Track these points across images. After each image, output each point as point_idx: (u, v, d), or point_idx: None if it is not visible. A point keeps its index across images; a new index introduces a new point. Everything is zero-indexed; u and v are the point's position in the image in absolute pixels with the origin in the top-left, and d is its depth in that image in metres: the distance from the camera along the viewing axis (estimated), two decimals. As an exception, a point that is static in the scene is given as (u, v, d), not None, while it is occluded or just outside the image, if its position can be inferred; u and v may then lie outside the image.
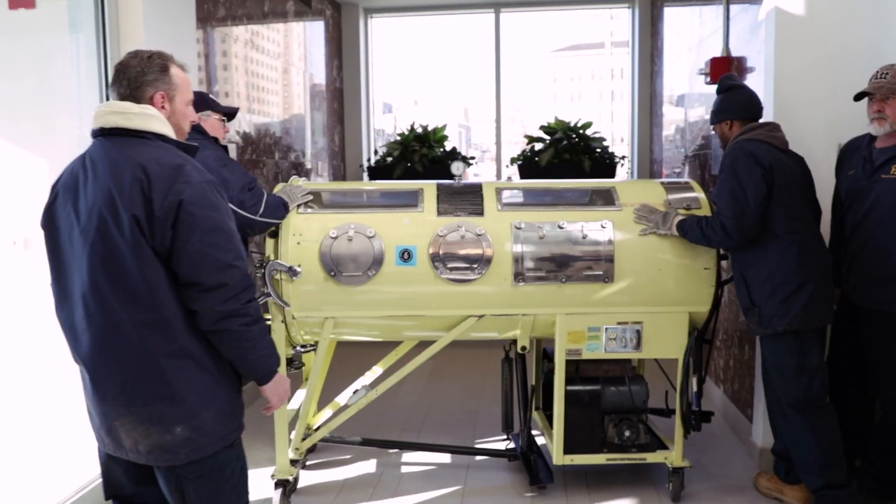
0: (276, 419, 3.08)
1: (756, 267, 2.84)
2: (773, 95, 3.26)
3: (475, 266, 2.98)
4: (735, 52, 3.82)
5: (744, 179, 2.76)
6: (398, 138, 4.25)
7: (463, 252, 2.99)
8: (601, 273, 3.01)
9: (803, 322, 2.76)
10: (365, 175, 5.13)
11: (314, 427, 3.37)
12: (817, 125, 3.23)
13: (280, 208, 2.94)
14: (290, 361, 3.16)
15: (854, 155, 2.93)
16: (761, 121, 3.01)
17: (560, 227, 3.03)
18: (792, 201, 2.78)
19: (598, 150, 4.08)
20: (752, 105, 3.00)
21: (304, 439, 3.21)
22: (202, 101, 2.80)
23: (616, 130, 4.33)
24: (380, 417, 4.08)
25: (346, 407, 3.28)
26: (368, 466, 3.50)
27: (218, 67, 4.01)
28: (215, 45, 3.95)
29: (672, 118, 5.41)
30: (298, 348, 3.17)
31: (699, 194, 3.14)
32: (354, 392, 3.21)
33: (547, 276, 3.01)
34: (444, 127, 4.34)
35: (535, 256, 3.01)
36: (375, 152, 4.56)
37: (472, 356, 5.06)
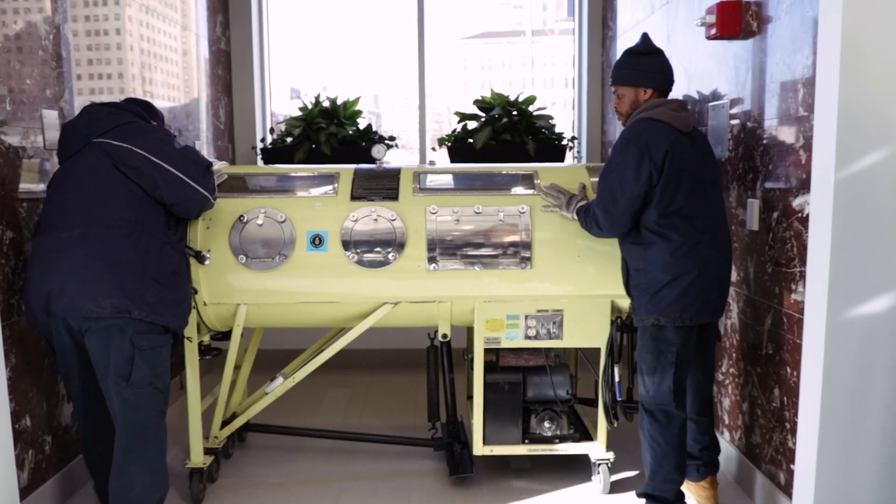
0: (189, 408, 3.03)
1: (633, 257, 2.66)
2: (840, 62, 2.13)
3: (388, 252, 2.91)
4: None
5: (627, 166, 2.54)
6: (300, 114, 3.60)
7: (374, 238, 2.91)
8: (519, 259, 2.92)
9: (670, 318, 2.54)
10: (259, 159, 4.30)
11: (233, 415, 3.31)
12: None
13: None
14: (204, 350, 3.10)
15: None
16: (668, 97, 2.72)
17: (476, 212, 2.95)
18: (676, 193, 2.53)
19: (545, 129, 3.66)
20: (671, 77, 2.72)
21: (221, 428, 3.16)
22: (159, 114, 2.85)
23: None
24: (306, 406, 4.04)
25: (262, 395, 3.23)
26: (286, 454, 3.45)
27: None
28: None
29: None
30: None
31: None
32: (271, 380, 3.15)
33: (463, 262, 2.93)
34: (356, 100, 3.71)
35: (450, 242, 2.93)
36: (272, 131, 3.92)
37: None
